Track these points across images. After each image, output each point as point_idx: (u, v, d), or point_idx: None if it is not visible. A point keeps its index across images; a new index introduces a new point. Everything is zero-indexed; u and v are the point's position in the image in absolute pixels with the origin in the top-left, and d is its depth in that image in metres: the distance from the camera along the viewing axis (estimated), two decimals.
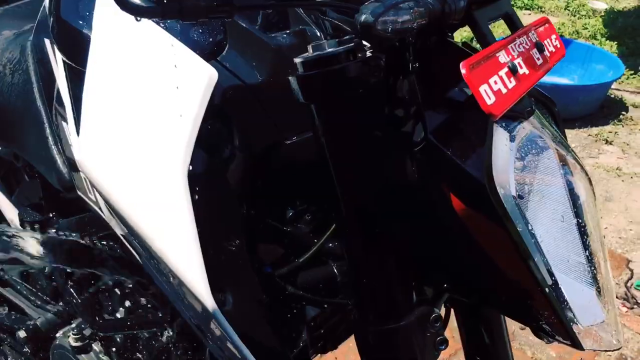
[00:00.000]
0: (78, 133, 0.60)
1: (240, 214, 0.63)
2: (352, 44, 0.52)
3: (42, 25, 0.83)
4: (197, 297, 0.54)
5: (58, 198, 1.01)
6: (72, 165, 0.75)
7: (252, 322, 0.59)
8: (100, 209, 0.70)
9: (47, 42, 0.80)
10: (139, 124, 0.58)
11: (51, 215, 1.01)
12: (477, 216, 0.49)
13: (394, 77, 0.53)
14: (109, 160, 0.58)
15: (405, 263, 0.57)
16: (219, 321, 0.54)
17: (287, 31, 0.69)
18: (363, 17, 0.44)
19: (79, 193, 0.77)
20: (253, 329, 0.58)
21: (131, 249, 0.67)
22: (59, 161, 0.81)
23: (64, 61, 0.68)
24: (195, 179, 0.56)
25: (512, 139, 0.53)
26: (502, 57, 0.50)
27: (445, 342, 0.60)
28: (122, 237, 0.68)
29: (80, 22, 0.66)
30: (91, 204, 0.73)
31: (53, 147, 0.82)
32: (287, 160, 0.70)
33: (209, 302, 0.53)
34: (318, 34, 0.70)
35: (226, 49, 0.67)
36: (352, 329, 0.63)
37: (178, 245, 0.54)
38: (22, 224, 1.07)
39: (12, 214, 1.10)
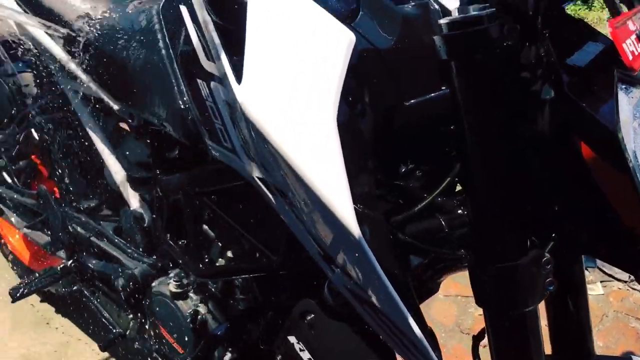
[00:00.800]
0: (239, 82, 0.69)
1: (371, 163, 0.71)
2: (494, 9, 0.60)
3: None
4: (345, 226, 0.62)
5: (165, 157, 1.11)
6: (205, 117, 0.84)
7: (386, 255, 0.66)
8: (236, 153, 0.78)
9: (182, 9, 0.88)
10: (293, 75, 0.66)
11: (157, 172, 1.10)
12: (604, 164, 0.56)
13: (529, 41, 0.60)
14: (269, 104, 0.66)
15: (524, 208, 0.65)
16: (363, 249, 0.62)
17: (412, 3, 0.77)
18: None
19: (208, 142, 0.86)
20: (388, 261, 0.66)
21: (265, 189, 0.76)
22: (186, 114, 0.90)
23: (215, 23, 0.76)
24: (340, 126, 0.64)
25: (629, 102, 0.60)
26: (631, 25, 0.57)
27: (553, 283, 0.67)
28: (257, 180, 0.76)
29: None
30: (225, 151, 0.81)
31: (180, 101, 0.91)
32: (404, 121, 0.77)
33: (356, 232, 0.61)
34: (437, 6, 0.77)
35: (359, 15, 0.76)
36: (469, 270, 0.70)
37: (329, 178, 0.62)
38: (129, 180, 1.17)
39: (117, 169, 1.19)
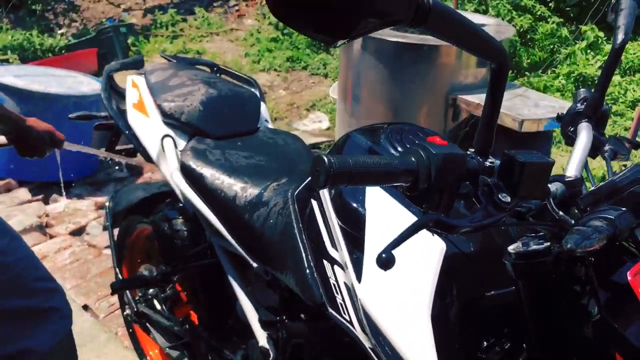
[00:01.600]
0: (359, 280, 0.94)
1: (457, 342, 0.92)
2: (549, 243, 0.81)
3: (306, 189, 1.21)
4: None
5: (291, 308, 1.37)
6: (329, 290, 1.09)
7: None
8: (352, 325, 1.02)
9: (313, 202, 1.17)
10: (399, 278, 0.90)
11: (284, 318, 1.36)
12: None
13: (578, 268, 0.81)
14: (381, 302, 0.90)
15: None
16: None
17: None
18: (568, 246, 0.73)
19: (330, 310, 1.10)
20: None
21: (373, 356, 0.98)
22: (313, 284, 1.16)
23: (340, 226, 1.03)
24: (435, 318, 0.86)
25: None
26: None
27: None
28: (368, 349, 0.99)
29: (357, 203, 1.02)
30: (344, 321, 1.05)
31: (308, 273, 1.17)
32: (485, 307, 0.98)
33: None
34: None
35: None
36: None
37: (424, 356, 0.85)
38: (260, 321, 1.44)
39: (249, 310, 1.46)
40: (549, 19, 6.16)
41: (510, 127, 2.68)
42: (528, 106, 2.78)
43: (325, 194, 1.11)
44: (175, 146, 1.56)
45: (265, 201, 1.34)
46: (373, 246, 0.94)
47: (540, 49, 5.92)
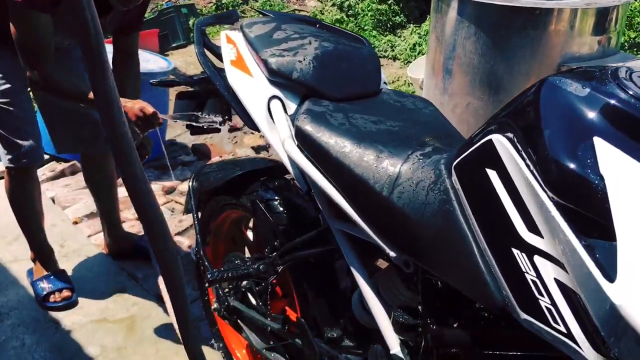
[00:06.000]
0: (611, 277, 0.65)
1: None
2: None
3: (475, 157, 0.92)
4: None
5: (438, 308, 1.08)
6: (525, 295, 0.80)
7: None
8: (573, 339, 0.73)
9: (490, 173, 0.87)
10: None
11: (428, 321, 1.07)
12: None
13: None
14: None
15: None
16: None
17: None
18: None
19: (524, 315, 0.81)
20: None
21: None
22: (490, 280, 0.87)
23: (556, 201, 0.74)
24: None
25: None
26: None
27: None
28: None
29: (583, 168, 0.72)
30: (554, 332, 0.76)
31: (482, 265, 0.89)
32: None
33: None
34: None
35: None
36: None
37: None
38: (393, 323, 1.16)
39: (377, 309, 1.18)
40: None
41: None
42: None
43: (517, 159, 0.82)
44: (285, 110, 1.29)
45: (408, 175, 1.06)
46: (635, 228, 0.65)
47: None
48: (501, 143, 0.87)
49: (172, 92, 3.42)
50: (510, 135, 0.86)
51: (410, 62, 5.10)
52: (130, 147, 0.95)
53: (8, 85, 1.97)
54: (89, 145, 2.32)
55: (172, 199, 3.27)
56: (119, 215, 2.64)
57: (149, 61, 3.60)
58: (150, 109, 1.79)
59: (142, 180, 0.97)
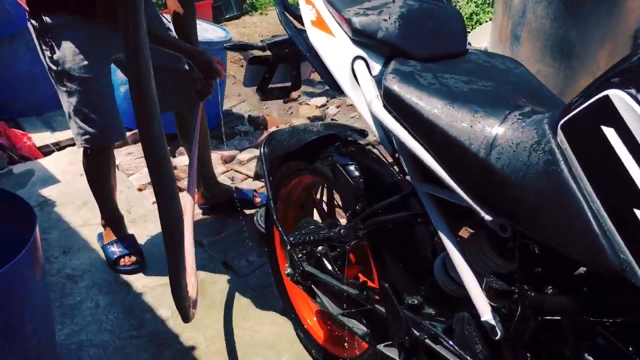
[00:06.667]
0: None
1: None
2: None
3: (587, 115, 0.87)
4: None
5: (536, 274, 1.04)
6: None
7: None
8: None
9: (607, 131, 0.82)
10: None
11: (525, 288, 1.03)
12: None
13: None
14: None
15: None
16: None
17: None
18: None
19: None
20: None
21: None
22: (606, 244, 0.83)
23: None
24: None
25: None
26: None
27: None
28: None
29: None
30: None
31: (596, 229, 0.84)
32: None
33: None
34: None
35: None
36: None
37: None
38: (485, 289, 1.12)
39: (467, 276, 1.15)
40: None
41: None
42: None
43: None
44: (369, 70, 1.25)
45: (507, 136, 1.01)
46: None
47: None
48: (621, 98, 0.81)
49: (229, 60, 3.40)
50: (633, 90, 0.80)
51: (468, 32, 4.94)
52: (153, 102, 1.16)
53: (86, 62, 1.96)
54: (183, 102, 2.40)
55: (232, 167, 3.29)
56: (213, 168, 2.77)
57: (207, 31, 3.61)
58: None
59: (158, 138, 1.23)
